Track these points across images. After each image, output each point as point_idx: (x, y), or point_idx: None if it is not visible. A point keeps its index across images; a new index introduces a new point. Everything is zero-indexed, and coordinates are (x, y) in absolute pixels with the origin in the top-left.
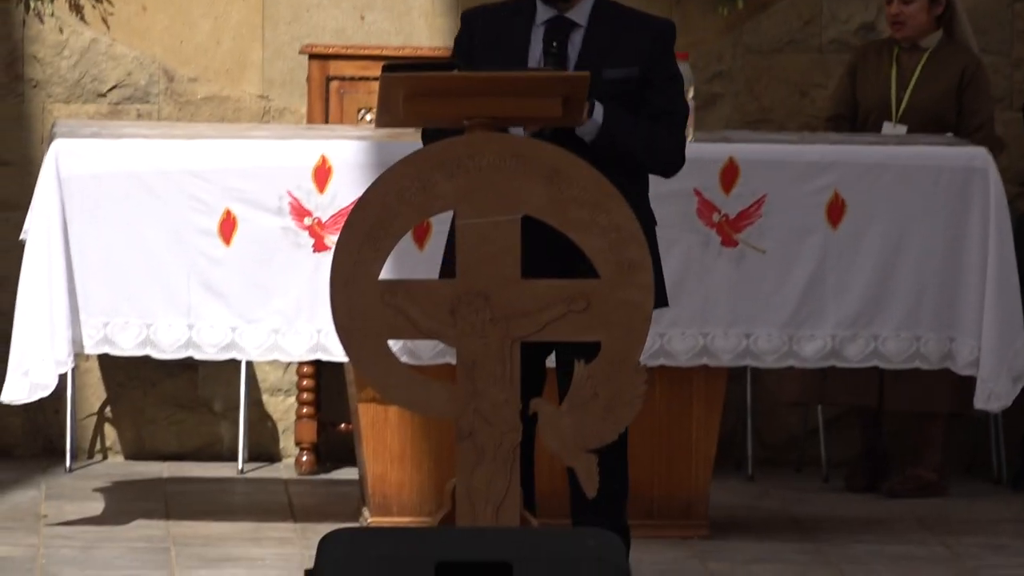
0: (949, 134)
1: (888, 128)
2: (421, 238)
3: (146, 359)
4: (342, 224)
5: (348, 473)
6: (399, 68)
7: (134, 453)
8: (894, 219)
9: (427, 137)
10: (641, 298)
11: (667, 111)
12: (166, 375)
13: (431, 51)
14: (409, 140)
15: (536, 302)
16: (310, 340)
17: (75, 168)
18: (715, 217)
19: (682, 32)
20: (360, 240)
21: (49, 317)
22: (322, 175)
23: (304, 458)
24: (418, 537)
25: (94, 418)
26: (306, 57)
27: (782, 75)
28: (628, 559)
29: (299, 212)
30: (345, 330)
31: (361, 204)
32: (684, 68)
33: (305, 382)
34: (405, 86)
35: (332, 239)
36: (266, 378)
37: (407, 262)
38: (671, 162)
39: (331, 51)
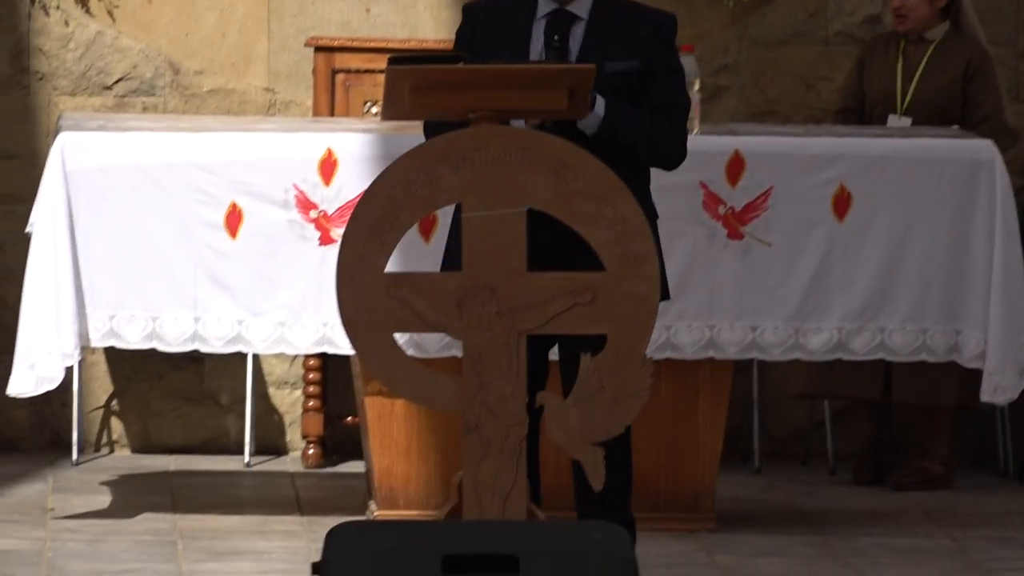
0: (955, 127)
1: (893, 121)
2: (427, 231)
3: (152, 352)
4: (348, 217)
5: (355, 466)
6: (405, 60)
7: (141, 446)
8: (900, 212)
9: (429, 130)
10: (647, 290)
11: (669, 104)
12: (172, 368)
13: (437, 43)
14: (415, 133)
15: (542, 295)
16: (316, 333)
17: (81, 161)
18: (721, 210)
19: (688, 25)
20: (366, 233)
21: (55, 310)
22: (328, 168)
23: (311, 451)
24: (425, 530)
25: (101, 411)
26: (312, 50)
27: (788, 68)
28: (635, 552)
29: (305, 205)
30: (351, 323)
31: (367, 197)
32: (690, 61)
33: (311, 375)
34: (411, 78)
35: (338, 232)
36: (272, 371)
37: (413, 255)
38: (673, 155)
39: (337, 44)
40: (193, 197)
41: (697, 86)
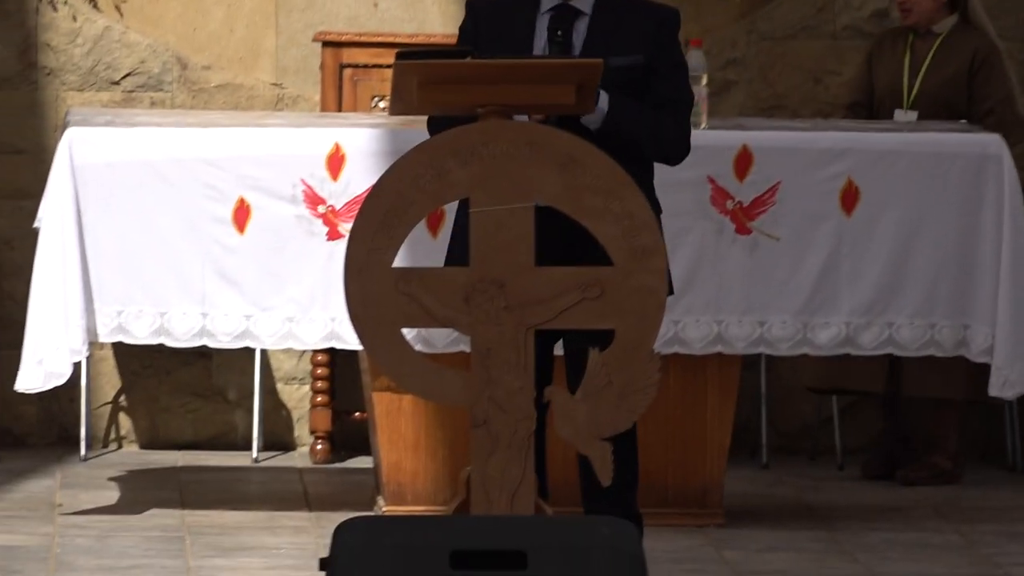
0: (963, 121)
1: (899, 115)
2: (435, 226)
3: (160, 347)
4: (356, 212)
5: (363, 462)
6: (413, 55)
7: (149, 442)
8: (908, 206)
9: (433, 125)
10: (655, 285)
11: (672, 99)
12: (180, 363)
13: (444, 38)
14: (423, 128)
15: (550, 289)
16: (324, 328)
17: (89, 156)
18: (729, 204)
19: (696, 19)
20: (374, 228)
21: (63, 305)
22: (336, 163)
23: (319, 447)
24: (433, 525)
25: (109, 407)
26: (319, 45)
27: (796, 62)
28: (642, 547)
29: (313, 200)
30: (359, 318)
31: (375, 192)
32: (698, 55)
33: (319, 370)
34: (419, 73)
35: (346, 227)
36: (280, 366)
37: (421, 250)
38: (676, 150)
39: (344, 39)
40: (201, 192)
41: (705, 80)
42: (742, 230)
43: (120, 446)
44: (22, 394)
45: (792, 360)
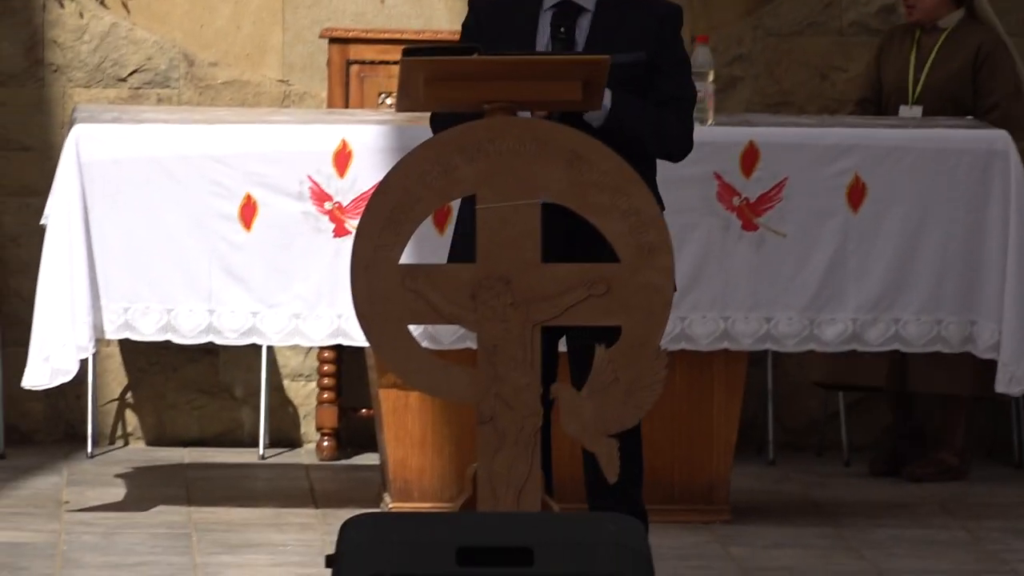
0: (969, 117)
1: (904, 111)
2: (441, 222)
3: (167, 344)
4: (363, 208)
5: (369, 458)
6: (419, 52)
7: (155, 439)
8: (915, 202)
9: (435, 122)
10: (661, 281)
11: (675, 96)
12: (187, 360)
13: (451, 34)
14: (429, 124)
15: (557, 286)
16: (331, 325)
17: (95, 153)
18: (735, 201)
19: (702, 15)
20: (381, 224)
21: (70, 302)
22: (342, 159)
23: (325, 443)
24: (439, 522)
25: (115, 404)
26: (326, 41)
27: (802, 58)
28: (648, 543)
29: (320, 197)
30: (366, 315)
31: (381, 188)
32: (704, 51)
33: (326, 367)
34: (425, 70)
35: (353, 224)
36: (287, 363)
37: (427, 246)
38: (679, 147)
39: (351, 35)
40: (207, 189)
41: (711, 77)
42: (748, 226)
43: (127, 443)
44: (29, 391)
45: (798, 356)
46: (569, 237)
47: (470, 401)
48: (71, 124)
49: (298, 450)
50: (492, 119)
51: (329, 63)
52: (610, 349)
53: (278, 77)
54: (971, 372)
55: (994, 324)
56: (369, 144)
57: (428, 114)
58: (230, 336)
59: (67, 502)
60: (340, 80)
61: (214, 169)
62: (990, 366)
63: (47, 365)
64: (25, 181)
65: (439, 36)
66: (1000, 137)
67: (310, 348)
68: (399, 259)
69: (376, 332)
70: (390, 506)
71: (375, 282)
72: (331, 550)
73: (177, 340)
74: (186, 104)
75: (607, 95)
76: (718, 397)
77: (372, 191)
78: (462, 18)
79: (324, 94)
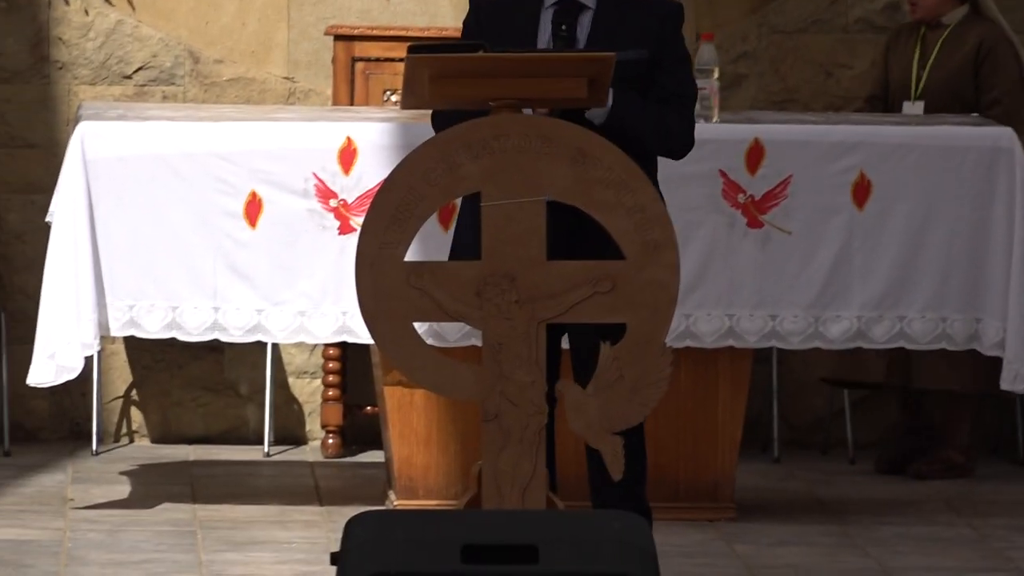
0: (976, 114)
1: (907, 107)
2: (446, 220)
3: (172, 342)
4: (368, 206)
5: (374, 456)
6: (425, 49)
7: (160, 436)
8: (920, 199)
9: (437, 120)
10: (667, 279)
11: (676, 93)
12: (192, 358)
13: (456, 32)
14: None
15: (562, 283)
16: (336, 322)
17: (101, 150)
18: (740, 198)
19: (707, 13)
20: (385, 222)
21: (75, 300)
22: (347, 157)
23: (330, 441)
24: (444, 520)
25: (120, 401)
26: (331, 38)
27: (807, 55)
28: (653, 541)
29: (325, 194)
30: (370, 312)
31: (386, 186)
32: (709, 49)
33: (331, 365)
34: (431, 67)
35: (358, 221)
36: (292, 361)
37: (432, 244)
38: (680, 145)
39: (357, 32)
40: (213, 186)
41: (716, 74)
42: (754, 224)
43: (132, 440)
44: (34, 389)
45: (804, 354)
46: (568, 238)
47: (475, 399)
48: (76, 121)
49: (303, 447)
50: (497, 116)
51: (334, 60)
52: (615, 346)
53: (283, 74)
54: (974, 369)
55: (999, 322)
56: (374, 141)
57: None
58: (235, 333)
59: (72, 500)
60: (345, 77)
61: (219, 166)
62: (993, 363)
63: (52, 362)
64: (30, 178)
65: (445, 33)
66: (1005, 134)
67: (315, 345)
68: (404, 256)
69: (381, 329)
70: (395, 504)
71: (380, 279)
72: (336, 547)
73: (182, 337)
74: (191, 101)
75: (608, 93)
76: (723, 394)
77: (377, 188)
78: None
79: (329, 91)
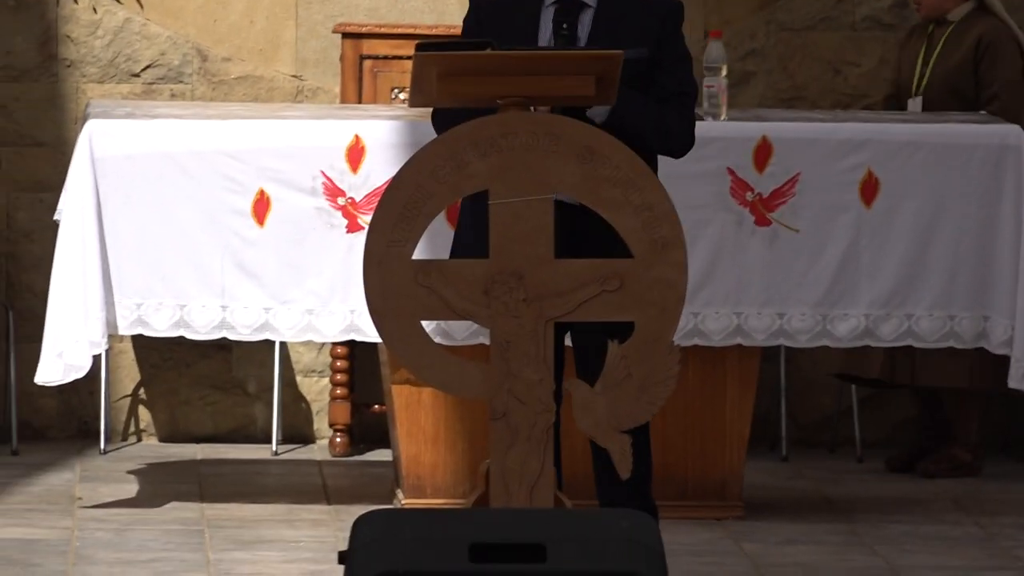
0: (983, 112)
1: (910, 104)
2: (454, 218)
3: (180, 340)
4: (375, 204)
5: (382, 455)
6: (432, 47)
7: (168, 435)
8: (927, 197)
9: (438, 120)
10: (674, 277)
11: (677, 92)
12: (200, 356)
13: None
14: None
15: (570, 282)
16: (344, 321)
17: (109, 149)
18: (748, 196)
19: (715, 10)
20: (393, 220)
21: (83, 298)
22: (355, 155)
23: (338, 439)
24: (452, 518)
25: (128, 400)
26: (339, 36)
27: (815, 53)
28: (661, 539)
29: (333, 192)
30: (378, 311)
31: (394, 184)
32: (717, 46)
33: (339, 363)
34: (439, 65)
35: (366, 219)
36: (300, 359)
37: (440, 242)
38: (680, 143)
39: (364, 30)
40: (221, 185)
41: (724, 72)
42: (762, 222)
43: (140, 439)
44: (42, 387)
45: (812, 352)
46: (582, 233)
47: (483, 397)
48: (84, 119)
49: (311, 446)
50: (505, 114)
51: (342, 58)
52: (623, 345)
53: (291, 72)
54: (984, 368)
55: (1007, 320)
56: (382, 139)
57: None
58: (243, 332)
59: (80, 498)
60: (353, 75)
61: (227, 165)
62: (1001, 361)
63: (60, 361)
64: (38, 176)
65: (453, 31)
66: (1013, 132)
67: (323, 344)
68: (412, 255)
69: (389, 328)
70: (403, 502)
71: (388, 278)
72: (343, 546)
73: (190, 336)
74: (199, 99)
75: (616, 91)
76: (731, 393)
77: (385, 187)
78: None
79: (337, 89)
